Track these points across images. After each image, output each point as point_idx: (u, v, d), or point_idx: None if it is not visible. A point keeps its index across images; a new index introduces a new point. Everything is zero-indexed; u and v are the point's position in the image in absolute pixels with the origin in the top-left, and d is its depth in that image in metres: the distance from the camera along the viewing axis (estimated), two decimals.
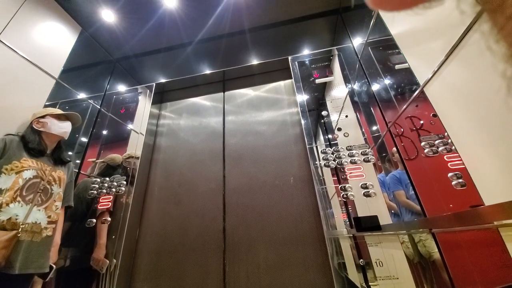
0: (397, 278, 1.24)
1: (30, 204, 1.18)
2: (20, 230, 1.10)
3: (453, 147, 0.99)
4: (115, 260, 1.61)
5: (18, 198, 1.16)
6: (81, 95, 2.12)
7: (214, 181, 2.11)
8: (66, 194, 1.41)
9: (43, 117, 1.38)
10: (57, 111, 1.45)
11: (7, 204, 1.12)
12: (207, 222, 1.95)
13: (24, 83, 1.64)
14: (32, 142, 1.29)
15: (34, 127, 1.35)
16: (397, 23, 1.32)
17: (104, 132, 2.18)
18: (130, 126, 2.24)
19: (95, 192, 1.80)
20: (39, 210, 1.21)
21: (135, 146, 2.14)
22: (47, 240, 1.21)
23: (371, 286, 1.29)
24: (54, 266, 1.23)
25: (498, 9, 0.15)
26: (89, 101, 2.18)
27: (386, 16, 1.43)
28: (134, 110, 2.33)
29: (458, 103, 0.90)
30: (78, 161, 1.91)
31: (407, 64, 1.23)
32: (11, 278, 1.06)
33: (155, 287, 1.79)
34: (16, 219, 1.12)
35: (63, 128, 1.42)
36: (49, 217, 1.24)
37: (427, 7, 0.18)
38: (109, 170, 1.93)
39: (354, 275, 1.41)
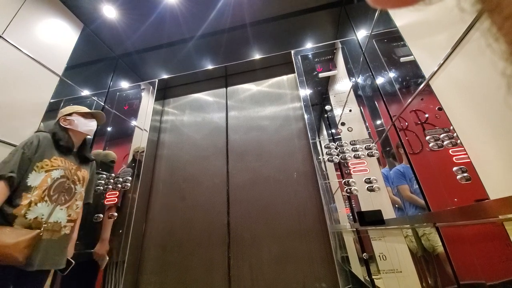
0: (401, 272, 1.25)
1: (54, 204, 1.20)
2: (42, 229, 1.12)
3: (458, 141, 0.98)
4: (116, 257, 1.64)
5: (46, 198, 1.17)
6: (85, 92, 2.13)
7: (218, 176, 2.13)
8: (87, 192, 1.43)
9: (69, 115, 1.39)
10: (84, 109, 1.46)
11: (36, 204, 1.13)
12: (212, 216, 1.97)
13: (28, 80, 1.65)
14: (63, 139, 1.31)
15: (62, 124, 1.36)
16: (403, 15, 1.30)
17: (109, 128, 2.20)
18: (134, 123, 2.25)
19: (101, 188, 1.83)
20: (61, 209, 1.23)
21: (140, 143, 2.16)
22: (64, 238, 1.22)
23: (374, 280, 1.30)
24: (73, 262, 1.25)
25: (496, 9, 0.15)
26: (93, 98, 2.20)
27: None
28: (138, 107, 2.35)
29: (464, 97, 0.89)
30: None
31: (412, 56, 1.21)
32: (28, 274, 1.09)
33: (162, 280, 1.83)
34: (42, 218, 1.14)
35: (89, 126, 1.43)
36: (69, 215, 1.26)
37: (428, 3, 0.18)
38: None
39: (357, 269, 1.42)
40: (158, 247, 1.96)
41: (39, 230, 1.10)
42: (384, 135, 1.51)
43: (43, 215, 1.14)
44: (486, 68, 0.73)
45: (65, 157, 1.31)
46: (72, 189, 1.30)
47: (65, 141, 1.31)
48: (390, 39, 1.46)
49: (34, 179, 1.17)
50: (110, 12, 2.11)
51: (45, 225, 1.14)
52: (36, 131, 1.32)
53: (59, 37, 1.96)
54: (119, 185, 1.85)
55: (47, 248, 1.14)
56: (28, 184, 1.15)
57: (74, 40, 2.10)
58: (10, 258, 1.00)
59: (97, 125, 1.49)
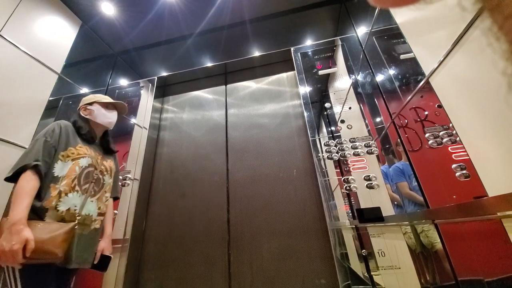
0: (399, 268, 1.26)
1: (86, 194, 1.11)
2: (77, 221, 1.03)
3: (457, 138, 0.98)
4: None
5: (77, 188, 1.08)
6: (84, 90, 2.12)
7: (217, 173, 2.13)
8: (114, 185, 1.36)
9: (90, 104, 1.30)
10: (106, 98, 1.36)
11: (66, 194, 1.04)
12: (212, 213, 1.98)
13: (27, 78, 1.65)
14: (83, 129, 1.23)
15: (82, 114, 1.27)
16: (403, 12, 1.29)
17: None
18: (133, 121, 2.25)
19: None
20: (92, 201, 1.14)
21: (139, 140, 2.16)
22: (94, 233, 1.13)
23: (373, 276, 1.32)
24: (111, 256, 1.20)
25: (496, 8, 0.15)
26: None
27: None
28: (137, 104, 2.34)
29: (464, 94, 0.89)
30: None
31: (412, 53, 1.20)
32: (57, 271, 1.01)
33: (163, 277, 1.85)
34: (75, 209, 1.05)
35: (109, 118, 1.34)
36: (99, 208, 1.17)
37: (428, 2, 0.18)
38: None
39: (356, 265, 1.43)
40: (159, 244, 1.97)
41: (74, 223, 1.02)
42: (383, 132, 1.51)
43: (75, 206, 1.05)
44: (486, 65, 0.73)
45: (89, 146, 1.22)
46: (101, 179, 1.21)
47: (86, 131, 1.23)
48: (390, 36, 1.46)
49: (61, 169, 1.07)
50: (108, 9, 2.10)
51: (79, 218, 1.05)
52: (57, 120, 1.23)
53: (57, 34, 1.94)
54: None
55: (78, 244, 1.04)
56: (55, 175, 1.05)
57: (73, 37, 2.08)
58: (49, 254, 0.91)
59: (119, 116, 1.41)
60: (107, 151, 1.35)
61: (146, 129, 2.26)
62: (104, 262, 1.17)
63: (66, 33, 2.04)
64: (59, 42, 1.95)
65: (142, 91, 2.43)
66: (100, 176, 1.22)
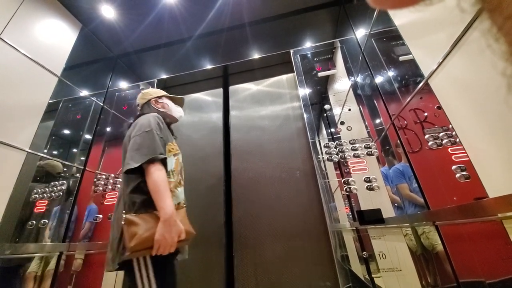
0: (400, 270, 1.25)
1: (183, 188, 1.13)
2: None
3: (457, 140, 0.98)
4: None
5: (182, 182, 1.11)
6: (84, 92, 2.13)
7: (216, 176, 2.13)
8: None
9: (160, 97, 1.27)
10: (164, 92, 1.34)
11: (176, 188, 1.05)
12: (212, 216, 1.97)
13: (27, 81, 1.65)
14: (169, 122, 1.21)
15: (155, 107, 1.23)
16: (401, 14, 1.30)
17: (108, 129, 2.19)
18: None
19: (101, 188, 1.83)
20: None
21: None
22: None
23: (374, 278, 1.31)
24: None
25: (496, 9, 0.15)
26: (92, 98, 2.19)
27: None
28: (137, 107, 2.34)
29: (463, 95, 0.89)
30: (82, 158, 1.94)
31: (411, 55, 1.21)
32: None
33: None
34: (183, 205, 1.07)
35: (180, 112, 1.32)
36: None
37: (428, 4, 0.18)
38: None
39: (357, 268, 1.42)
40: None
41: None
42: (383, 134, 1.51)
43: (183, 200, 1.08)
44: (485, 67, 0.73)
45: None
46: (183, 173, 1.21)
47: (170, 125, 1.21)
48: (389, 38, 1.47)
49: (170, 163, 1.06)
50: (108, 12, 2.11)
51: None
52: (142, 112, 1.20)
53: (57, 37, 1.95)
54: (119, 186, 1.85)
55: None
56: (168, 169, 1.04)
57: (73, 40, 2.09)
58: (188, 240, 0.98)
59: None
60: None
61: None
62: None
63: (66, 36, 2.05)
64: (59, 45, 1.96)
65: None
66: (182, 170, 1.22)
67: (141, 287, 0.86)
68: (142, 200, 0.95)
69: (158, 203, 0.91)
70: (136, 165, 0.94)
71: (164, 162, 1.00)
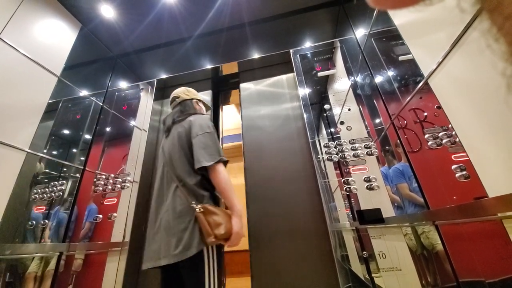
0: (400, 270, 1.25)
1: None
2: None
3: (457, 139, 0.98)
4: None
5: None
6: (83, 92, 2.12)
7: None
8: None
9: (200, 101, 1.35)
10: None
11: None
12: None
13: (26, 81, 1.65)
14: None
15: (195, 106, 1.29)
16: (401, 14, 1.30)
17: (108, 129, 2.19)
18: (133, 123, 2.25)
19: (101, 188, 1.83)
20: None
21: (139, 142, 2.16)
22: None
23: (374, 278, 1.31)
24: None
25: (496, 9, 0.15)
26: (92, 98, 2.19)
27: None
28: (136, 107, 2.34)
29: (463, 95, 0.89)
30: (82, 158, 1.94)
31: (411, 55, 1.21)
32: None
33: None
34: None
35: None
36: None
37: (428, 4, 0.18)
38: None
39: (357, 267, 1.42)
40: None
41: None
42: (383, 133, 1.51)
43: None
44: (485, 66, 0.73)
45: None
46: None
47: None
48: (389, 38, 1.46)
49: None
50: (108, 12, 2.10)
51: None
52: (184, 108, 1.27)
53: (57, 37, 1.95)
54: (118, 186, 1.85)
55: None
56: None
57: (72, 40, 2.08)
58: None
59: None
60: None
61: (145, 131, 2.25)
62: None
63: (66, 36, 2.04)
64: (59, 45, 1.95)
65: (141, 93, 2.43)
66: None
67: (208, 271, 0.93)
68: (208, 195, 1.04)
69: (231, 201, 1.01)
70: (209, 164, 1.02)
71: (226, 164, 1.10)
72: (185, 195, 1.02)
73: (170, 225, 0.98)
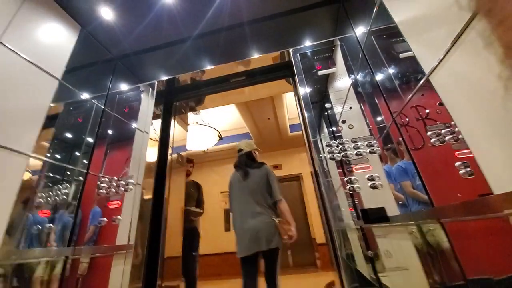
0: (407, 269, 1.25)
1: None
2: None
3: (460, 136, 0.98)
4: None
5: None
6: (84, 95, 2.12)
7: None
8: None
9: (257, 149, 2.17)
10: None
11: None
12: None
13: (27, 85, 1.64)
14: None
15: (255, 155, 2.14)
16: (401, 11, 1.29)
17: (110, 131, 2.19)
18: (134, 125, 2.25)
19: (104, 191, 1.83)
20: None
21: (141, 145, 2.16)
22: None
23: (380, 278, 1.31)
24: None
25: (489, 13, 0.15)
26: (93, 101, 2.19)
27: (390, 4, 1.39)
28: (138, 109, 2.34)
29: (465, 91, 0.89)
30: (85, 161, 1.94)
31: (411, 52, 1.20)
32: None
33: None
34: None
35: None
36: None
37: None
38: None
39: (362, 267, 1.42)
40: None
41: None
42: (385, 131, 1.51)
43: None
44: (486, 63, 0.73)
45: None
46: None
47: None
48: (389, 35, 1.46)
49: None
50: (107, 14, 2.10)
51: None
52: (252, 158, 2.12)
53: (56, 40, 1.94)
54: (122, 188, 1.85)
55: None
56: None
57: (72, 43, 2.08)
58: None
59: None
60: None
61: (147, 133, 2.26)
62: None
63: (66, 39, 2.04)
64: (59, 48, 1.95)
65: (142, 95, 2.43)
66: None
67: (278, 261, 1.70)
68: (277, 214, 1.85)
69: (290, 218, 1.76)
70: (280, 198, 1.85)
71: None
72: (269, 213, 1.80)
73: (261, 228, 1.71)
